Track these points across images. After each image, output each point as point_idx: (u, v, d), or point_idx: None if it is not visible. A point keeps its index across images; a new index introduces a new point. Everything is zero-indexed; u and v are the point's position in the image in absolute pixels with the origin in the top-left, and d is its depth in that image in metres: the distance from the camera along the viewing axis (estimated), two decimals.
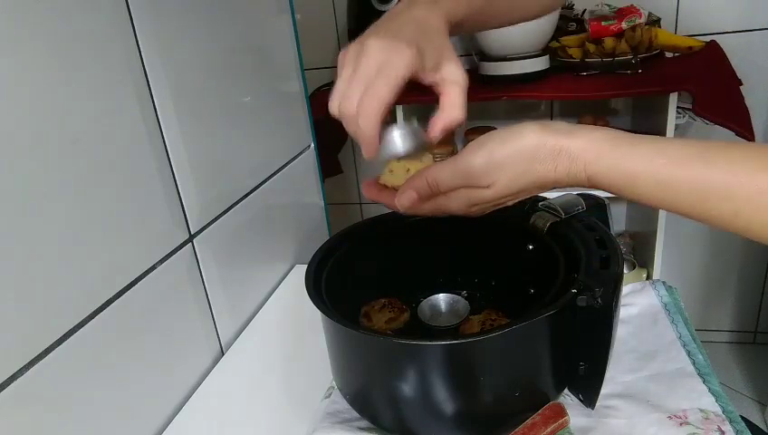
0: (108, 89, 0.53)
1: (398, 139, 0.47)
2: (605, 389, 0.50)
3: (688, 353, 0.56)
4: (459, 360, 0.46)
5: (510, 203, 0.47)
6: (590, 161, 0.40)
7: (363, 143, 0.45)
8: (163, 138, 0.60)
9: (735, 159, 0.37)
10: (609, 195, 0.45)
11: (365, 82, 0.43)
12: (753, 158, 0.36)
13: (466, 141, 1.49)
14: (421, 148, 0.48)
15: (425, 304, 0.62)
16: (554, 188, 0.44)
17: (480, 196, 0.45)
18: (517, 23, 0.61)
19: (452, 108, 0.45)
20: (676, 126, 1.22)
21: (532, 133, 0.42)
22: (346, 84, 0.44)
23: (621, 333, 0.60)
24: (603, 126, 1.49)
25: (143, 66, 0.57)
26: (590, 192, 0.51)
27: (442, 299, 0.62)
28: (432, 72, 0.45)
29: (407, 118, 1.37)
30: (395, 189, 0.50)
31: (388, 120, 0.45)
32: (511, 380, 0.47)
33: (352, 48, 0.46)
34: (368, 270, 0.61)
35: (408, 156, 0.48)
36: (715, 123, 1.15)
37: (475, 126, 1.56)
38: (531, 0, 0.61)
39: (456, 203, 0.47)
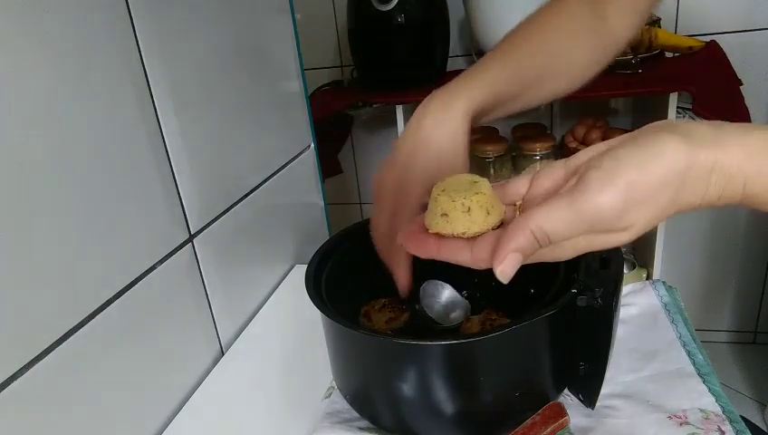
0: (108, 89, 0.53)
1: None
2: (605, 389, 0.50)
3: (688, 353, 0.56)
4: (459, 360, 0.46)
5: None
6: (752, 179, 0.31)
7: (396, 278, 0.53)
8: (163, 138, 0.60)
9: None
10: None
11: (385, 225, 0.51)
12: None
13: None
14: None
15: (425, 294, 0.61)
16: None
17: (608, 242, 0.35)
18: (547, 101, 0.60)
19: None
20: None
21: (676, 150, 0.31)
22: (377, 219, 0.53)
23: (621, 333, 0.60)
24: (602, 126, 1.46)
25: (143, 66, 0.57)
26: None
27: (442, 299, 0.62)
28: None
29: (407, 118, 1.36)
30: (458, 237, 0.38)
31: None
32: (511, 380, 0.47)
33: (377, 179, 0.52)
34: (368, 270, 0.61)
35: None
36: None
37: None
38: (560, 78, 0.58)
39: (568, 253, 0.36)
